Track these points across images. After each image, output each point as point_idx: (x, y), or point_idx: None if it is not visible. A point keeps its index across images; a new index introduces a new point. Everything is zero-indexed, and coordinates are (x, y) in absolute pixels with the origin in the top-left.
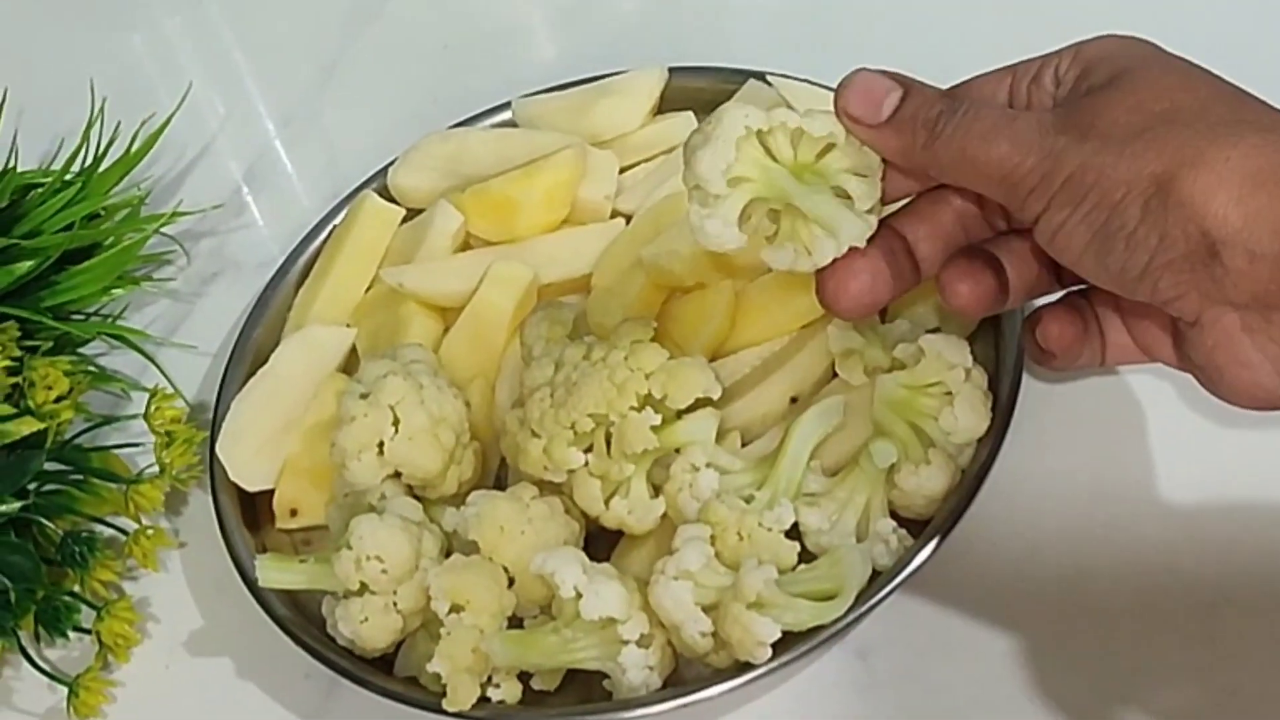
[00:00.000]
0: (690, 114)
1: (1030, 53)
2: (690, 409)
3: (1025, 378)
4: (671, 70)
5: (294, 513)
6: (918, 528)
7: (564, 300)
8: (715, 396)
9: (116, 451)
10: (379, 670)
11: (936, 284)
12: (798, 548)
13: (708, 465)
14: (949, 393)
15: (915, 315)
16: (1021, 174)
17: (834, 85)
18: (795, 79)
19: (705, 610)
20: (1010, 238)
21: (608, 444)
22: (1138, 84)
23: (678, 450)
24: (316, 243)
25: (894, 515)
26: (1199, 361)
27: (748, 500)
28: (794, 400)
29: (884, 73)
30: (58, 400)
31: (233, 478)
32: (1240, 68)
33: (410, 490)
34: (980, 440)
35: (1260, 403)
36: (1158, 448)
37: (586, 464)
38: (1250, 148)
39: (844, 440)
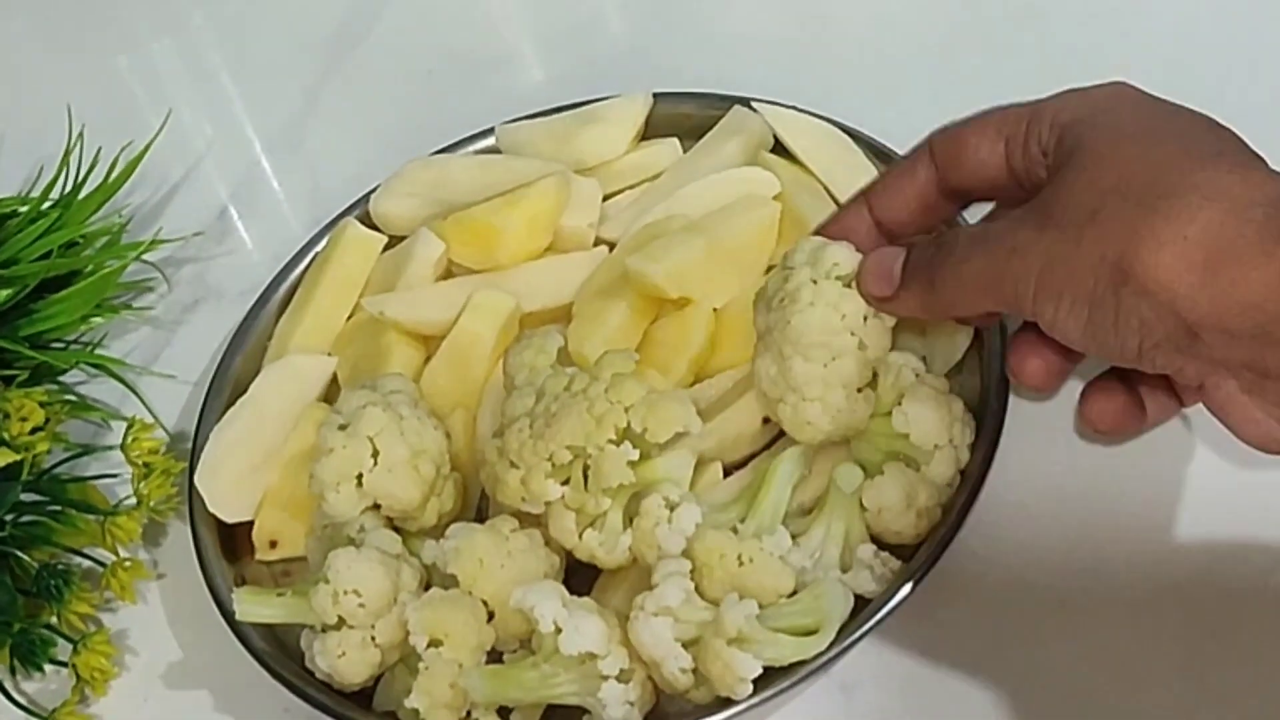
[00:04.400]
0: (675, 141)
1: (1014, 81)
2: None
3: (1010, 407)
4: (656, 96)
5: (274, 544)
6: (906, 555)
7: (551, 329)
8: (695, 431)
9: (96, 482)
10: (357, 705)
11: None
12: (794, 573)
13: (683, 500)
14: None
15: (902, 343)
16: (1000, 281)
17: (819, 111)
18: (781, 105)
19: (685, 646)
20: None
21: (585, 477)
22: (1088, 160)
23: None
24: (298, 270)
25: (879, 544)
26: (1214, 414)
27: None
28: (766, 420)
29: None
30: (33, 431)
31: (211, 509)
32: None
33: (390, 522)
34: (964, 471)
35: (1276, 448)
36: (1145, 475)
37: (563, 497)
38: (1207, 222)
39: (818, 480)
